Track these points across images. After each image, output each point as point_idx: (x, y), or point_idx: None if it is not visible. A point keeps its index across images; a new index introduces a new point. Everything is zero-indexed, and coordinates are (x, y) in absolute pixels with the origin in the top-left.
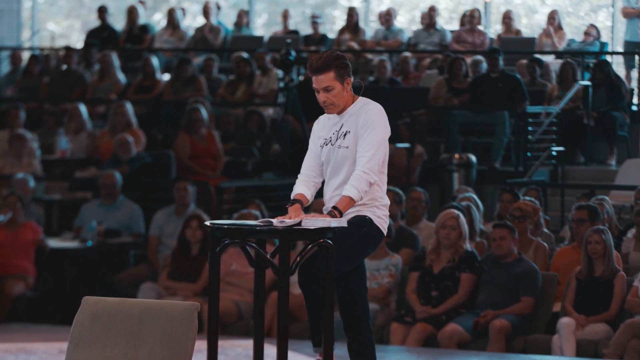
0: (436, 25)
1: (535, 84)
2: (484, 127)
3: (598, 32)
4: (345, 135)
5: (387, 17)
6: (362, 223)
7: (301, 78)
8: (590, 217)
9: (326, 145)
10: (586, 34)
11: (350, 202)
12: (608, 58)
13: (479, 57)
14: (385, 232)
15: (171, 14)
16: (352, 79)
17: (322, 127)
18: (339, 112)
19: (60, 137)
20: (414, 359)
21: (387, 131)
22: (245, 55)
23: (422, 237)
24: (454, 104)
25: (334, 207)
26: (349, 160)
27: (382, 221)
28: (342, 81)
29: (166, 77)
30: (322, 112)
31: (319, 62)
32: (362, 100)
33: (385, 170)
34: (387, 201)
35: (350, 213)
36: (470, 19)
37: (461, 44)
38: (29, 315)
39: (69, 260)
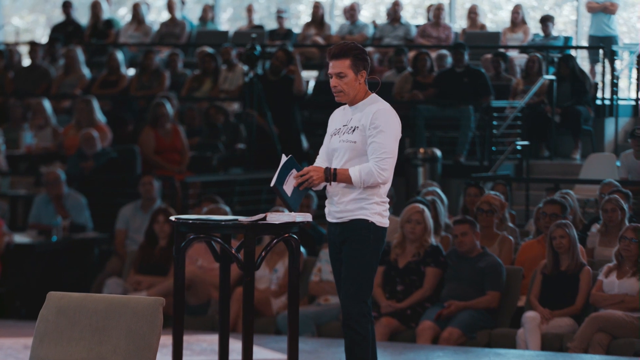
0: (401, 19)
1: (500, 78)
2: (449, 121)
3: (552, 23)
4: (353, 130)
5: (351, 12)
6: (367, 232)
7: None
8: (562, 212)
9: (335, 135)
10: (542, 23)
11: (348, 180)
12: (572, 52)
13: (444, 51)
14: (387, 225)
15: (136, 9)
16: (367, 73)
17: (335, 119)
18: (351, 104)
19: (25, 132)
20: (379, 354)
21: (397, 134)
22: (210, 50)
23: (388, 232)
24: (419, 99)
25: (334, 168)
26: (354, 153)
27: (384, 217)
28: (356, 71)
29: (131, 72)
30: (287, 107)
31: (338, 48)
32: (373, 98)
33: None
34: (387, 199)
35: (351, 211)
36: (435, 13)
37: (426, 38)
38: None
39: (34, 255)
